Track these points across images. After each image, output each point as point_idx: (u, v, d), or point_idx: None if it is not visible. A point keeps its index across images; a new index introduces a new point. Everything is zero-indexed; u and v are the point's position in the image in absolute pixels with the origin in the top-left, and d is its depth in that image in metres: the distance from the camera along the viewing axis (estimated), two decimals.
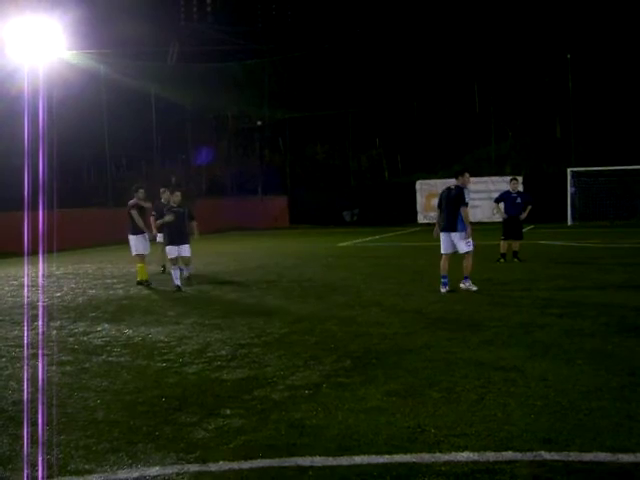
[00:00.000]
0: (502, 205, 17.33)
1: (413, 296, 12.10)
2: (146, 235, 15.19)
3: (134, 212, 15.04)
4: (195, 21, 41.89)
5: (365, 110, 40.33)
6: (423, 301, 11.46)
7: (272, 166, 43.49)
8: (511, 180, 18.01)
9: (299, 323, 9.88)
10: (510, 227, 16.96)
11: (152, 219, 16.24)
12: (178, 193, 14.15)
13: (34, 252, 18.94)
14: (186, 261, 14.26)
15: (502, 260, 16.84)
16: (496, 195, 18.36)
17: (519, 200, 17.23)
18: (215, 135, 42.35)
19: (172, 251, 13.84)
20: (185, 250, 13.97)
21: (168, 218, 13.78)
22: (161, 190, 16.98)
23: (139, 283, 14.72)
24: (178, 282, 13.70)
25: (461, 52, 41.60)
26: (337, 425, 5.53)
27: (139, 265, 15.00)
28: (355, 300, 11.87)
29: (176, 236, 13.87)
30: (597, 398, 5.97)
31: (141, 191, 15.46)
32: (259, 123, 42.55)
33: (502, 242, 17.17)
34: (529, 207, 17.12)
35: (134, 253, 15.19)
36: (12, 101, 22.79)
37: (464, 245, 12.36)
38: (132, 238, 15.16)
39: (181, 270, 14.05)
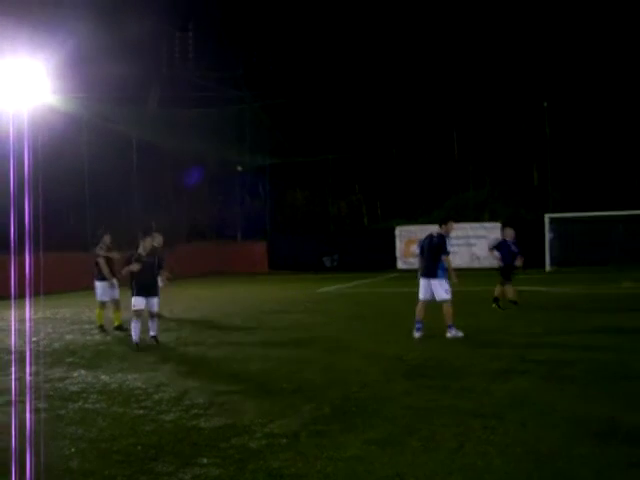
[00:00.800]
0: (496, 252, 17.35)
1: (393, 342, 12.07)
2: (113, 282, 15.07)
3: (101, 260, 15.02)
4: (176, 66, 42.17)
5: (345, 156, 40.65)
6: (402, 347, 11.43)
7: (252, 211, 43.56)
8: (505, 227, 18.04)
9: (277, 371, 9.80)
10: (506, 273, 16.95)
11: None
12: (149, 239, 13.14)
13: (20, 296, 18.83)
14: (153, 315, 12.76)
15: (495, 305, 16.73)
16: (474, 241, 18.50)
17: (515, 248, 17.17)
18: (199, 173, 42.41)
19: (138, 302, 12.44)
20: (153, 304, 12.61)
21: (134, 267, 12.53)
22: (154, 234, 17.18)
23: (100, 327, 14.97)
24: (137, 338, 12.28)
25: (440, 100, 42.15)
26: (316, 474, 5.47)
27: (97, 310, 15.29)
28: (334, 346, 11.82)
29: (144, 287, 12.54)
30: (577, 445, 5.95)
31: (106, 237, 15.40)
32: (239, 169, 42.72)
33: (501, 287, 17.00)
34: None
35: (98, 299, 15.27)
36: None
37: (442, 292, 12.39)
38: (98, 284, 15.24)
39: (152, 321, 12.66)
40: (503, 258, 17.02)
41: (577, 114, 38.43)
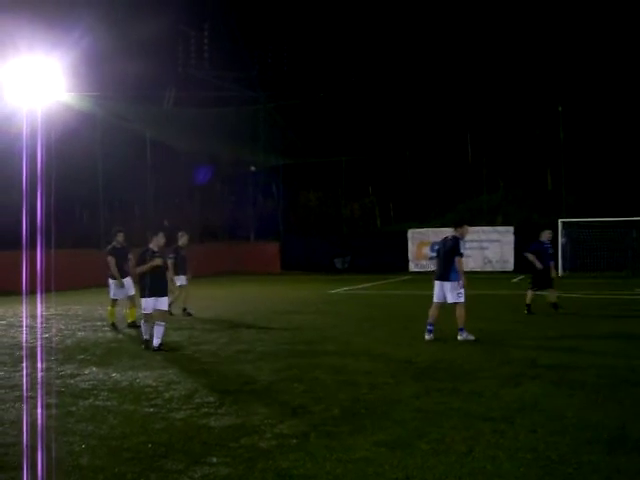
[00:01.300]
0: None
1: (403, 345, 12.05)
2: (125, 281, 15.08)
3: (110, 259, 15.03)
4: (192, 66, 42.26)
5: (358, 158, 40.64)
6: (413, 350, 11.41)
7: (265, 212, 43.62)
8: (544, 231, 17.43)
9: (288, 370, 9.81)
10: (542, 277, 16.64)
11: (170, 262, 16.69)
12: (161, 235, 12.50)
13: (32, 292, 18.97)
14: (162, 315, 12.14)
15: (526, 311, 16.40)
16: (487, 244, 18.32)
17: (551, 250, 16.97)
18: (209, 180, 42.54)
19: (148, 305, 11.99)
20: (163, 303, 12.18)
21: (157, 262, 11.99)
22: (179, 234, 17.39)
23: (111, 325, 15.09)
24: (147, 336, 12.13)
25: (454, 103, 42.10)
26: (325, 475, 5.47)
27: (109, 308, 15.39)
28: (345, 348, 11.82)
29: (154, 287, 11.99)
30: (587, 452, 5.93)
31: (120, 235, 15.37)
32: (253, 169, 42.79)
33: (530, 293, 16.72)
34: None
35: (110, 297, 15.35)
36: (11, 142, 22.93)
37: (454, 296, 12.39)
38: (110, 282, 15.29)
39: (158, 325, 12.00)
40: (542, 261, 16.65)
41: (592, 119, 38.30)
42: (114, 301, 15.28)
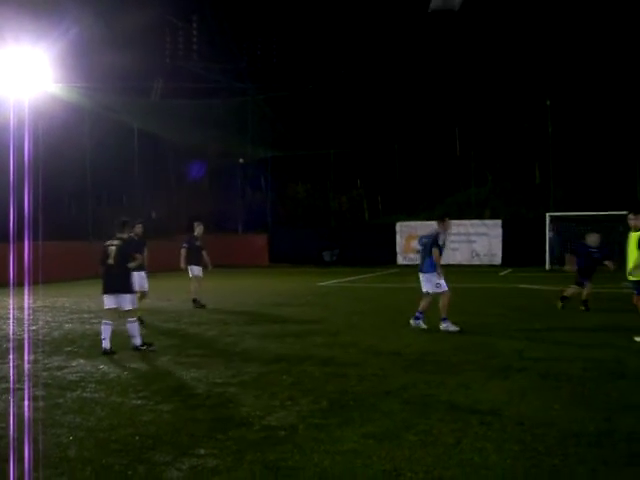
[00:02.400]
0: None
1: (391, 337, 12.08)
2: (142, 274, 14.35)
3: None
4: (180, 58, 42.12)
5: (347, 151, 40.63)
6: (401, 342, 11.44)
7: (253, 204, 43.57)
8: (590, 234, 16.52)
9: (276, 363, 9.82)
10: (587, 271, 15.96)
11: (183, 251, 16.59)
12: (139, 226, 12.05)
13: (19, 284, 18.90)
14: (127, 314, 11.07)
15: (583, 308, 15.78)
16: (475, 238, 18.20)
17: (597, 256, 15.95)
18: (203, 166, 42.47)
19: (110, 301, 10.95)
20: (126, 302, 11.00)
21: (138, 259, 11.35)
22: (195, 224, 17.31)
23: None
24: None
25: (443, 96, 42.13)
26: (313, 467, 5.48)
27: None
28: (333, 340, 11.84)
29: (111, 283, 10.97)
30: (573, 444, 5.97)
31: (139, 227, 14.56)
32: (241, 161, 42.73)
33: (586, 288, 15.99)
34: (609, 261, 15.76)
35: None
36: None
37: (432, 286, 12.61)
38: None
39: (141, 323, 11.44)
40: (578, 261, 16.17)
41: (580, 113, 38.41)
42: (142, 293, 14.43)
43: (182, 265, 17.12)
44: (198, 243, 17.22)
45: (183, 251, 16.96)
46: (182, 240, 17.73)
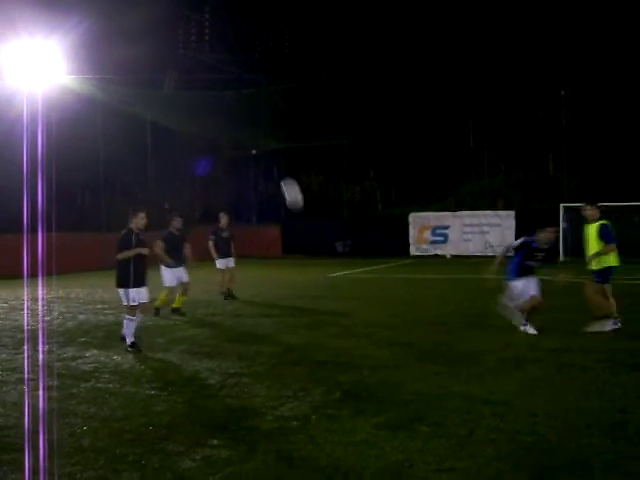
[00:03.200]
0: None
1: (404, 328, 12.06)
2: (182, 268, 14.17)
3: (159, 243, 13.92)
4: (193, 49, 42.07)
5: (360, 142, 40.53)
6: (414, 334, 11.42)
7: (266, 195, 43.56)
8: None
9: (289, 353, 9.83)
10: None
11: (211, 243, 16.70)
12: (142, 214, 10.60)
13: (33, 275, 18.98)
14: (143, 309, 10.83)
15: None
16: (488, 229, 17.91)
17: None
18: (209, 163, 42.48)
19: (134, 296, 10.38)
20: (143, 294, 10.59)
21: (144, 251, 10.45)
22: (221, 215, 17.21)
23: (176, 310, 14.12)
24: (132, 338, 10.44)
25: (456, 87, 41.93)
26: (325, 457, 5.49)
27: (162, 297, 14.25)
28: (346, 331, 11.83)
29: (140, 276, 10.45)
30: (587, 435, 5.94)
31: (177, 220, 14.34)
32: (254, 152, 42.69)
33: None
34: None
35: (165, 285, 14.33)
36: (11, 124, 22.89)
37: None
38: (163, 270, 14.24)
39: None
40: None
41: (595, 103, 38.13)
42: (170, 289, 14.20)
43: (214, 256, 16.91)
44: (225, 234, 17.14)
45: (211, 243, 16.79)
46: (208, 232, 17.51)
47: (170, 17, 40.07)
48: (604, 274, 11.56)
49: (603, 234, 11.43)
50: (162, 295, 14.24)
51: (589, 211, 11.75)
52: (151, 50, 35.65)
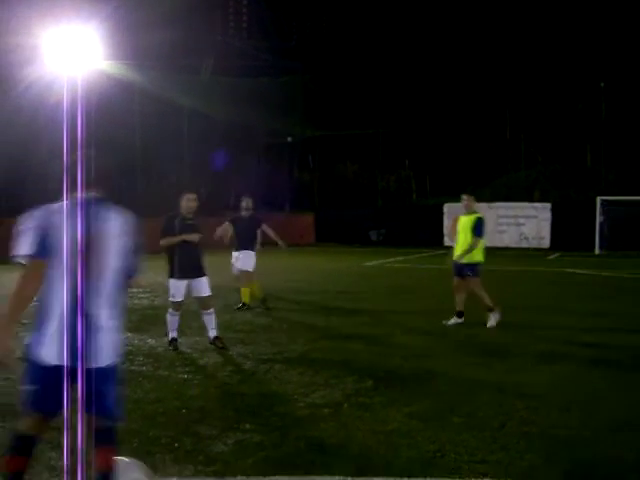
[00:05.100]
0: None
1: (438, 319, 12.01)
2: (247, 252, 13.29)
3: (226, 225, 13.38)
4: (230, 36, 42.21)
5: (396, 131, 40.38)
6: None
7: (300, 183, 43.62)
8: None
9: (322, 341, 9.86)
10: None
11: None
12: (191, 196, 9.46)
13: None
14: (205, 303, 9.54)
15: None
16: (523, 220, 17.94)
17: None
18: (245, 150, 42.62)
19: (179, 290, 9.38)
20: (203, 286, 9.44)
21: (193, 237, 9.31)
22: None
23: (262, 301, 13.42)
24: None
25: (494, 78, 41.56)
26: (357, 445, 5.50)
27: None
28: (379, 320, 11.83)
29: (187, 267, 9.30)
30: (621, 431, 5.88)
31: (246, 200, 13.38)
32: (289, 139, 42.75)
33: None
34: None
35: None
36: (51, 110, 23.15)
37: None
38: (234, 254, 13.62)
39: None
40: None
41: (634, 95, 37.57)
42: (252, 274, 13.33)
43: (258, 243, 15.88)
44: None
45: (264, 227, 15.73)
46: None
47: (208, 4, 40.19)
48: (474, 268, 11.25)
49: (477, 227, 11.26)
50: (253, 285, 13.43)
51: (466, 201, 11.68)
52: (189, 36, 35.83)
